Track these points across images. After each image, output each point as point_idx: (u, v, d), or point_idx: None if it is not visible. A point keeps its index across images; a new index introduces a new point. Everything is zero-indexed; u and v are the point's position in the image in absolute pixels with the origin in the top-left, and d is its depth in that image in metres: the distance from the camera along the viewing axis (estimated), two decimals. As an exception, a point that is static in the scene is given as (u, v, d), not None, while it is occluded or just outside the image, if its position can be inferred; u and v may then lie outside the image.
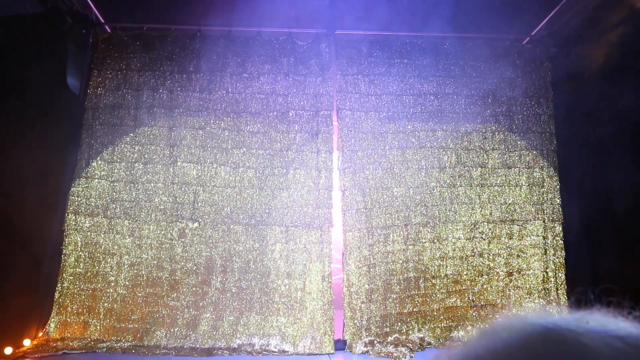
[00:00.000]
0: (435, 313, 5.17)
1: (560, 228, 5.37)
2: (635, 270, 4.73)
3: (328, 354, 4.85)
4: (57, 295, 5.06)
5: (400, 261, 5.19)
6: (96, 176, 5.26)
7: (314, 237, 5.16)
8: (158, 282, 5.10)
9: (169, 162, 5.28)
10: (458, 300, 5.23)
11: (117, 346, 4.83)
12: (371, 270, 5.13)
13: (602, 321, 0.66)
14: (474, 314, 5.21)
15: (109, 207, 5.23)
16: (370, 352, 4.78)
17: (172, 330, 4.98)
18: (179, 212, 5.21)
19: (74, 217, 5.18)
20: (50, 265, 5.04)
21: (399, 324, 5.09)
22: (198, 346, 4.88)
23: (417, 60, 5.50)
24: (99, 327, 5.00)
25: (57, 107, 5.08)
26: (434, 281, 5.22)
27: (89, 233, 5.18)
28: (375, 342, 4.92)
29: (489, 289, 5.26)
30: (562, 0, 5.28)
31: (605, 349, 0.58)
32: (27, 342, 4.69)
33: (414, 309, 5.15)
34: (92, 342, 4.86)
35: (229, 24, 5.43)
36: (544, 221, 5.37)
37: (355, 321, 4.97)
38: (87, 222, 5.19)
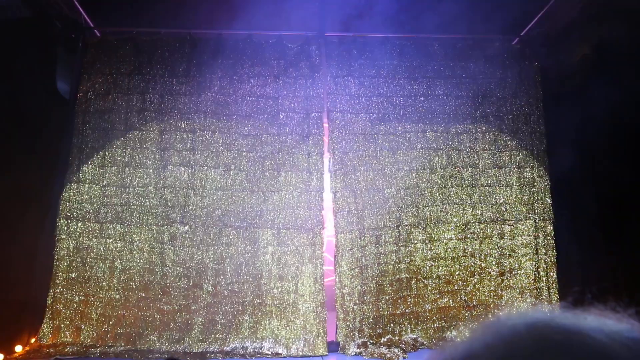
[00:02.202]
0: (427, 314, 5.19)
1: (551, 227, 5.39)
2: (626, 268, 4.76)
3: (321, 356, 4.85)
4: (49, 300, 5.04)
5: (392, 262, 5.20)
6: (87, 181, 5.25)
7: (306, 239, 5.17)
8: (150, 286, 5.10)
9: (159, 166, 5.27)
10: (450, 300, 5.24)
11: (110, 351, 4.83)
12: (363, 271, 5.13)
13: (600, 318, 0.66)
14: (466, 314, 5.22)
15: (100, 212, 5.22)
16: (364, 354, 4.80)
17: (164, 334, 4.98)
18: (170, 216, 5.20)
19: (65, 222, 5.17)
20: (42, 270, 5.03)
21: (392, 325, 5.10)
22: (191, 350, 4.88)
23: (407, 62, 5.51)
24: (91, 332, 4.99)
25: (47, 111, 5.07)
26: (426, 282, 5.23)
27: (80, 238, 5.17)
28: (368, 343, 4.93)
29: (481, 289, 5.27)
30: (550, 1, 5.29)
31: (608, 342, 0.59)
32: (19, 348, 4.68)
33: (407, 310, 5.16)
34: (84, 348, 4.86)
35: (218, 27, 5.43)
36: (535, 221, 5.39)
37: (348, 323, 4.98)
38: (78, 226, 5.18)
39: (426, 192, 5.36)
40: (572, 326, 0.61)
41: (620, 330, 0.61)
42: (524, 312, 0.68)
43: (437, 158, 5.41)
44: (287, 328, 4.99)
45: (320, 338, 4.93)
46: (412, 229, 5.29)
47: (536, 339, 0.61)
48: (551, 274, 5.31)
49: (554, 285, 5.30)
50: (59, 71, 5.13)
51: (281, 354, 4.86)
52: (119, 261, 5.14)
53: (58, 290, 5.07)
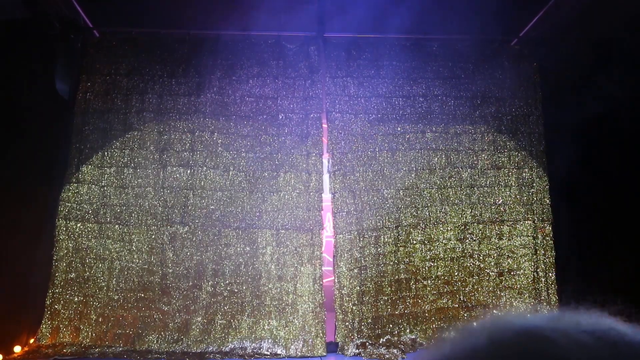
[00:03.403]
0: (426, 314, 5.19)
1: (550, 228, 5.39)
2: (625, 269, 4.77)
3: (320, 356, 4.85)
4: (48, 301, 5.04)
5: (391, 263, 5.20)
6: (86, 181, 5.25)
7: (305, 239, 5.17)
8: (149, 286, 5.10)
9: (158, 166, 5.27)
10: (449, 301, 5.24)
11: (108, 351, 4.83)
12: (362, 272, 5.14)
13: (575, 318, 0.67)
14: (465, 315, 5.22)
15: (99, 212, 5.22)
16: (362, 354, 4.80)
17: (163, 334, 4.98)
18: (169, 216, 5.20)
19: (64, 223, 5.17)
20: (40, 271, 5.03)
21: (391, 325, 5.10)
22: (190, 350, 4.88)
23: (406, 62, 5.50)
24: (90, 333, 4.99)
25: (46, 112, 5.06)
26: (425, 282, 5.23)
27: (79, 238, 5.17)
28: (367, 344, 4.93)
29: (479, 289, 5.27)
30: (550, 1, 5.29)
31: (570, 344, 0.60)
32: (17, 349, 4.68)
33: (405, 311, 5.16)
34: (83, 348, 4.86)
35: (217, 27, 5.43)
36: (533, 221, 5.38)
37: (347, 323, 4.99)
38: (77, 227, 5.18)
39: (425, 192, 5.36)
40: (538, 332, 0.62)
41: (592, 332, 0.61)
42: (496, 320, 0.69)
43: (436, 159, 5.41)
44: (286, 328, 4.99)
45: (319, 338, 4.94)
46: (411, 230, 5.29)
47: (497, 348, 0.62)
48: (550, 274, 5.31)
49: (552, 285, 5.30)
50: (58, 71, 5.12)
51: (280, 355, 4.86)
52: (118, 262, 5.14)
53: (57, 291, 5.07)
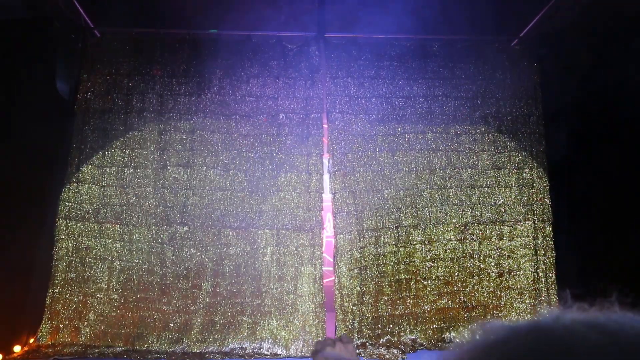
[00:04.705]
0: (426, 315, 5.18)
1: (551, 228, 5.39)
2: (625, 269, 4.76)
3: (320, 356, 4.84)
4: (48, 300, 5.04)
5: (392, 263, 5.20)
6: (87, 181, 5.25)
7: (305, 240, 5.17)
8: (149, 286, 5.09)
9: (159, 166, 5.27)
10: (449, 301, 5.24)
11: (108, 352, 4.82)
12: (362, 272, 5.13)
13: (579, 315, 0.67)
14: (465, 315, 5.22)
15: (99, 212, 5.22)
16: (362, 354, 4.79)
17: (163, 334, 4.97)
18: (169, 216, 5.20)
19: (64, 223, 5.17)
20: (40, 271, 5.03)
21: (391, 326, 5.10)
22: (190, 350, 4.88)
23: (406, 63, 5.51)
24: (90, 333, 4.99)
25: (46, 112, 5.06)
26: (425, 283, 5.23)
27: (80, 238, 5.17)
28: (367, 344, 4.93)
29: (480, 290, 5.27)
30: (550, 1, 5.29)
31: (574, 340, 0.60)
32: (17, 349, 4.68)
33: (406, 311, 5.16)
34: (83, 348, 4.85)
35: (218, 27, 5.43)
36: (534, 222, 5.38)
37: (347, 323, 4.98)
38: (77, 227, 5.18)
39: (425, 193, 5.36)
40: (547, 330, 0.62)
41: (595, 325, 0.61)
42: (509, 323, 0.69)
43: (436, 159, 5.41)
44: (286, 329, 4.99)
45: (319, 338, 4.93)
46: (411, 230, 5.29)
47: (536, 339, 0.62)
48: (550, 275, 5.31)
49: (553, 286, 5.30)
50: (58, 72, 5.12)
51: (280, 355, 4.86)
52: (118, 261, 5.14)
53: (57, 291, 5.07)
